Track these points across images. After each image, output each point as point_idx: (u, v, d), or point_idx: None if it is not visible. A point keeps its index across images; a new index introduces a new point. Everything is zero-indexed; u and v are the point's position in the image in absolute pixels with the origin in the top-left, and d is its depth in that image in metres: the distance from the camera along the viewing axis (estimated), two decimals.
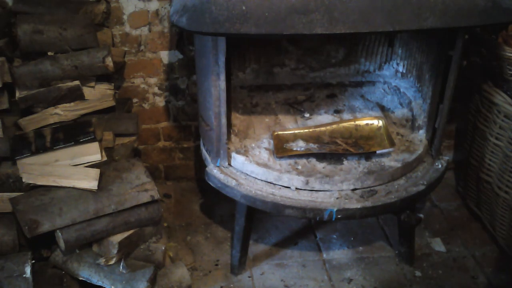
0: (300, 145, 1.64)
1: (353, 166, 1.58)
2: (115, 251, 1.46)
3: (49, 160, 1.48)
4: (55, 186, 1.45)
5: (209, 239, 1.95)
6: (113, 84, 1.70)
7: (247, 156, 1.59)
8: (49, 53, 1.58)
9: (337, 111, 1.85)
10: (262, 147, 1.64)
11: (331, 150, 1.62)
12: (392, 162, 1.59)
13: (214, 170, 1.60)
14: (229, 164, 1.61)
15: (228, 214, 2.05)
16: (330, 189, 1.52)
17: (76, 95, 1.59)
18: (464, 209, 2.12)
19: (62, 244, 1.43)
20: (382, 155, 1.62)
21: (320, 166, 1.58)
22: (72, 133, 1.51)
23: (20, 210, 1.39)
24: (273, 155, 1.61)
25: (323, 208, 1.48)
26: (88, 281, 1.47)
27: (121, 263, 1.45)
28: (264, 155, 1.61)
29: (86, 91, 1.62)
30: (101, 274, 1.46)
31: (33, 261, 1.40)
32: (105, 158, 1.55)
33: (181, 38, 1.95)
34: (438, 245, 1.93)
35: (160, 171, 2.24)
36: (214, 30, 1.27)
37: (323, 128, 1.70)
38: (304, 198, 1.51)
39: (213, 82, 1.46)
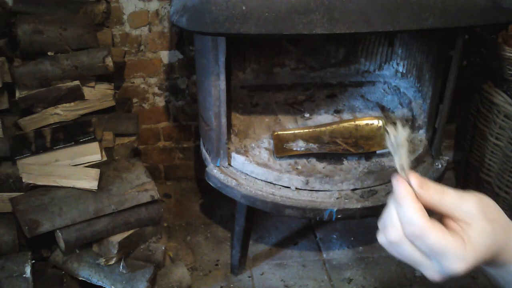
0: (300, 145, 1.64)
1: (353, 166, 1.58)
2: (115, 251, 1.46)
3: (49, 160, 1.48)
4: (55, 186, 1.45)
5: (209, 239, 1.95)
6: (113, 84, 1.70)
7: (247, 156, 1.59)
8: (49, 53, 1.58)
9: (337, 111, 1.85)
10: (262, 147, 1.64)
11: (331, 150, 1.62)
12: (392, 162, 1.59)
13: (214, 170, 1.60)
14: (229, 164, 1.61)
15: (228, 214, 2.05)
16: (330, 189, 1.52)
17: (76, 95, 1.59)
18: None
19: (62, 244, 1.43)
20: (382, 155, 1.62)
21: (320, 166, 1.58)
22: (72, 133, 1.51)
23: (20, 210, 1.39)
24: (273, 155, 1.61)
25: (323, 208, 1.48)
26: (88, 281, 1.47)
27: (121, 263, 1.45)
28: (264, 155, 1.61)
29: (86, 91, 1.62)
30: (101, 274, 1.46)
31: (33, 261, 1.40)
32: (105, 158, 1.55)
33: (181, 38, 1.95)
34: None
35: (160, 171, 2.24)
36: (214, 30, 1.27)
37: (323, 128, 1.70)
38: (304, 198, 1.51)
39: (213, 82, 1.46)
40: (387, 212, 0.65)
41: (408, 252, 0.63)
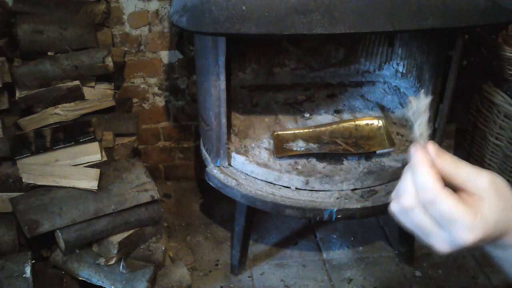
0: (300, 145, 1.64)
1: (353, 166, 1.58)
2: (115, 251, 1.46)
3: (49, 160, 1.48)
4: (55, 186, 1.45)
5: (209, 239, 1.95)
6: (113, 84, 1.70)
7: (247, 156, 1.59)
8: (49, 53, 1.58)
9: (337, 111, 1.85)
10: (262, 147, 1.64)
11: (331, 150, 1.62)
12: (392, 162, 1.59)
13: (214, 170, 1.60)
14: (229, 164, 1.61)
15: (228, 214, 2.05)
16: (330, 189, 1.52)
17: (76, 95, 1.59)
18: None
19: (62, 244, 1.43)
20: (382, 155, 1.62)
21: (320, 166, 1.58)
22: (72, 133, 1.51)
23: (20, 210, 1.39)
24: (273, 155, 1.61)
25: (323, 208, 1.48)
26: (88, 281, 1.47)
27: (121, 263, 1.45)
28: (264, 155, 1.61)
29: (86, 91, 1.62)
30: (101, 274, 1.46)
31: (33, 261, 1.40)
32: (105, 158, 1.55)
33: (181, 38, 1.95)
34: None
35: (160, 171, 2.24)
36: (214, 30, 1.27)
37: (323, 128, 1.70)
38: (304, 198, 1.51)
39: (213, 82, 1.46)
40: (402, 180, 0.65)
41: (419, 219, 0.63)
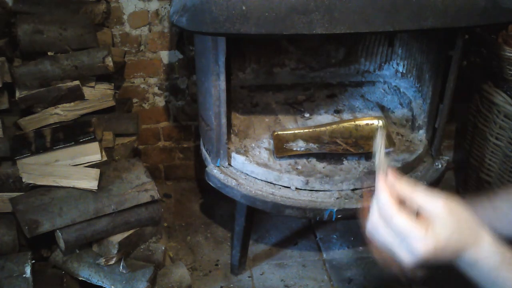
0: (300, 145, 1.64)
1: (353, 166, 1.58)
2: (115, 251, 1.46)
3: (49, 160, 1.48)
4: (55, 186, 1.45)
5: (209, 239, 1.95)
6: (113, 84, 1.70)
7: (247, 156, 1.59)
8: (49, 53, 1.58)
9: (337, 111, 1.85)
10: (262, 147, 1.64)
11: (331, 150, 1.62)
12: (392, 162, 1.59)
13: (214, 170, 1.60)
14: (229, 164, 1.61)
15: (228, 214, 2.05)
16: (330, 189, 1.52)
17: (76, 95, 1.59)
18: None
19: (62, 244, 1.43)
20: None
21: (320, 166, 1.58)
22: (72, 133, 1.51)
23: (20, 210, 1.39)
24: (273, 155, 1.61)
25: (323, 208, 1.48)
26: (88, 281, 1.47)
27: (121, 263, 1.45)
28: (264, 155, 1.61)
29: (86, 91, 1.62)
30: (101, 274, 1.46)
31: (33, 261, 1.40)
32: (105, 158, 1.55)
33: (181, 38, 1.95)
34: None
35: (160, 171, 2.24)
36: (214, 30, 1.27)
37: (323, 128, 1.70)
38: (304, 198, 1.51)
39: (213, 82, 1.46)
40: (371, 205, 0.79)
41: (384, 233, 0.75)
